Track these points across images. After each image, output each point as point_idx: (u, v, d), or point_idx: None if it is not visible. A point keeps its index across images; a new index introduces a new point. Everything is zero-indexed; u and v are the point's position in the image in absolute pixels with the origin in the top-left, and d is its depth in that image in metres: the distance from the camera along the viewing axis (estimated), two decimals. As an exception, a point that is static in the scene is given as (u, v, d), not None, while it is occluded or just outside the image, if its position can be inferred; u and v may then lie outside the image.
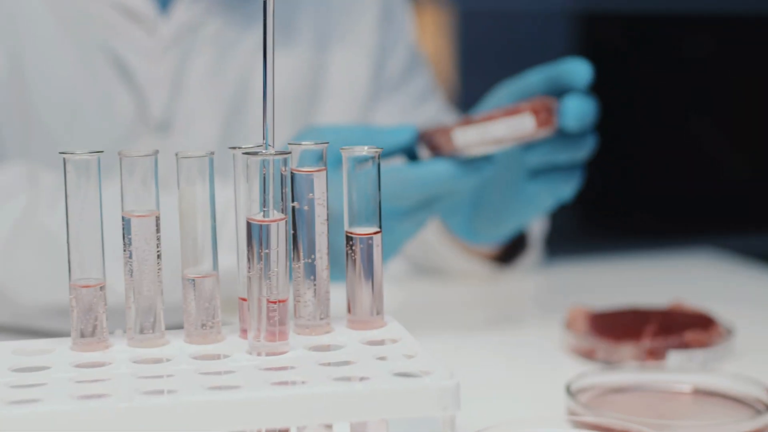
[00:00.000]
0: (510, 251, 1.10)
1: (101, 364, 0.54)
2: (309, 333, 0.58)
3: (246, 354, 0.55)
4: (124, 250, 0.56)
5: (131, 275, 0.56)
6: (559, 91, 0.83)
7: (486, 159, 0.83)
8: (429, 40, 2.71)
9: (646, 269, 1.23)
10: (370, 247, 0.58)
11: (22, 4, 1.06)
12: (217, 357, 0.55)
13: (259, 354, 0.55)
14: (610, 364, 0.81)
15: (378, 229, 0.59)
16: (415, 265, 1.15)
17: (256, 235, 0.54)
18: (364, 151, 0.58)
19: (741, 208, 3.09)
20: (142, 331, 0.56)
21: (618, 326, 0.84)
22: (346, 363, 0.54)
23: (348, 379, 0.51)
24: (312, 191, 0.57)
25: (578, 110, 0.81)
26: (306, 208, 0.57)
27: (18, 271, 0.89)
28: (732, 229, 2.87)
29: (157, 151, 0.56)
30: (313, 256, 0.57)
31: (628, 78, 2.96)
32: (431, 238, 1.09)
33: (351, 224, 0.59)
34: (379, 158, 0.59)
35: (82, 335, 0.56)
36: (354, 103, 1.17)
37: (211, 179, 0.57)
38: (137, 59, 1.07)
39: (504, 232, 0.92)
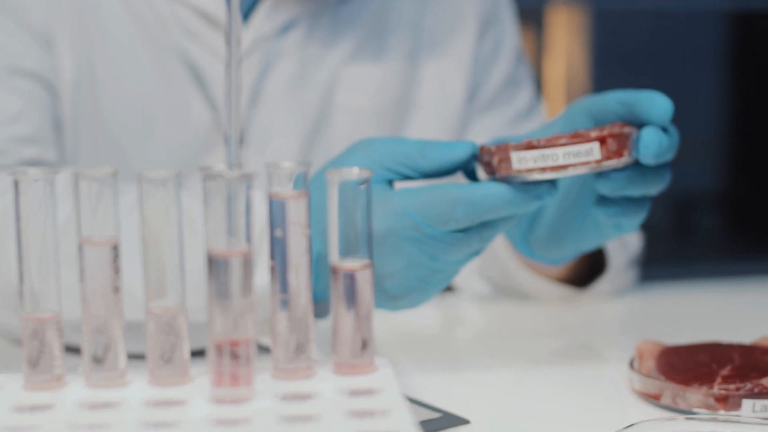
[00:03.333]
0: (588, 274, 1.01)
1: (45, 408, 0.49)
2: (286, 377, 0.52)
3: (206, 401, 0.49)
4: (80, 280, 0.51)
5: (86, 308, 0.51)
6: (634, 121, 0.75)
7: (548, 184, 0.74)
8: (562, 40, 2.61)
9: (753, 296, 1.12)
10: (352, 283, 0.51)
11: (97, 7, 1.02)
12: (174, 403, 0.50)
13: (219, 402, 0.49)
14: (676, 411, 0.72)
15: (366, 262, 0.52)
16: (495, 286, 1.07)
17: (214, 268, 0.48)
18: (353, 174, 0.52)
19: None
20: (98, 370, 0.51)
21: (690, 365, 0.75)
22: (309, 418, 0.47)
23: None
24: (287, 218, 0.51)
25: (657, 144, 0.74)
26: (282, 236, 0.51)
27: None
28: None
29: (117, 171, 0.51)
30: (287, 292, 0.51)
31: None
32: (504, 257, 1.01)
33: (336, 256, 0.52)
34: (369, 183, 0.52)
35: (35, 371, 0.51)
36: (447, 120, 1.09)
37: (178, 202, 0.51)
38: (214, 68, 1.03)
39: (562, 255, 0.84)
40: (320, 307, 0.76)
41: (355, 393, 0.50)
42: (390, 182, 0.75)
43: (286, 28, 1.04)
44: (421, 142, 0.76)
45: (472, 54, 1.10)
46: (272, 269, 0.51)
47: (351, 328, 0.51)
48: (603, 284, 1.01)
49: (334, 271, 0.52)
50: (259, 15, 1.03)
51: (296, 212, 0.51)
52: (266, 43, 1.03)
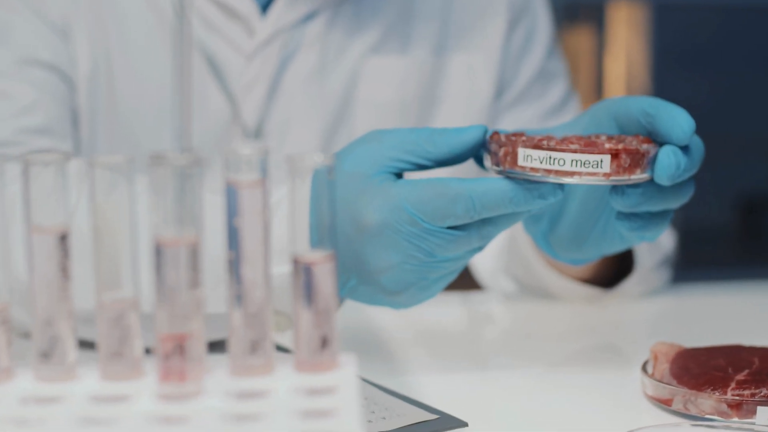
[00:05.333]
0: (616, 274, 0.97)
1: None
2: (244, 374, 0.49)
3: (153, 397, 0.47)
4: (28, 271, 0.49)
5: (33, 299, 0.49)
6: (654, 135, 0.71)
7: (555, 185, 0.70)
8: (623, 37, 2.55)
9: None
10: (310, 275, 0.49)
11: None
12: (118, 399, 0.47)
13: (166, 399, 0.47)
14: (687, 417, 0.68)
15: (328, 253, 0.49)
16: (521, 286, 1.03)
17: (158, 257, 0.46)
18: (315, 159, 0.49)
19: None
20: (45, 363, 0.49)
21: (704, 369, 0.71)
22: (253, 418, 0.45)
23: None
24: (240, 207, 0.48)
25: (674, 167, 0.69)
26: (237, 226, 0.48)
27: None
28: None
29: (67, 156, 0.49)
30: (241, 285, 0.48)
31: None
32: (529, 256, 0.97)
33: (297, 247, 0.49)
34: (332, 170, 0.49)
35: (-17, 365, 0.49)
36: (474, 115, 1.06)
37: (132, 189, 0.49)
38: (232, 60, 1.01)
39: (583, 257, 0.80)
40: None
41: (309, 392, 0.47)
42: (399, 174, 0.73)
43: (307, 18, 1.02)
44: (432, 129, 0.73)
45: (501, 46, 1.07)
46: (230, 261, 0.49)
47: (310, 324, 0.48)
48: (630, 285, 0.97)
49: (295, 263, 0.49)
50: (280, 5, 1.01)
51: (251, 201, 0.48)
52: (286, 34, 1.01)
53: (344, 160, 0.72)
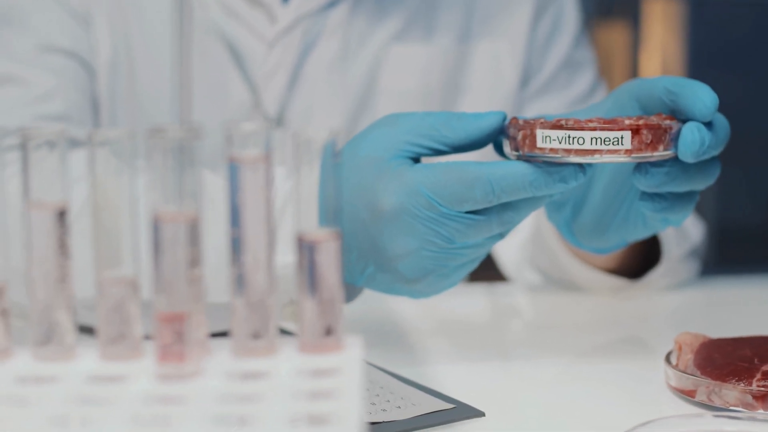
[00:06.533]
0: (643, 265, 0.95)
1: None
2: (246, 355, 0.48)
3: (150, 377, 0.46)
4: (24, 249, 0.48)
5: (31, 277, 0.48)
6: (678, 112, 0.69)
7: (576, 167, 0.68)
8: (658, 34, 2.52)
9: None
10: (313, 254, 0.47)
11: None
12: (116, 379, 0.46)
13: (164, 379, 0.45)
14: (711, 408, 0.66)
15: (334, 231, 0.48)
16: (547, 277, 1.01)
17: (156, 234, 0.45)
18: (319, 134, 0.47)
19: None
20: (42, 344, 0.48)
21: (729, 360, 0.69)
22: (248, 399, 0.43)
23: (228, 421, 0.41)
24: (241, 184, 0.47)
25: (698, 143, 0.67)
26: (239, 203, 0.47)
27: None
28: None
29: (65, 132, 0.48)
30: (241, 269, 0.47)
31: None
32: (554, 247, 0.95)
33: (302, 224, 0.48)
34: (339, 146, 0.48)
35: (-19, 344, 0.48)
36: (499, 104, 1.04)
37: (133, 166, 0.48)
38: (253, 47, 1.00)
39: (606, 245, 0.79)
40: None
41: (311, 373, 0.46)
42: (416, 158, 0.71)
43: (329, 6, 1.01)
44: (449, 113, 0.71)
45: (527, 34, 1.05)
46: (232, 239, 0.47)
47: (314, 312, 0.47)
48: (657, 276, 0.95)
49: (299, 241, 0.48)
50: None
51: (254, 178, 0.47)
52: (308, 21, 1.00)
53: (360, 145, 0.71)
